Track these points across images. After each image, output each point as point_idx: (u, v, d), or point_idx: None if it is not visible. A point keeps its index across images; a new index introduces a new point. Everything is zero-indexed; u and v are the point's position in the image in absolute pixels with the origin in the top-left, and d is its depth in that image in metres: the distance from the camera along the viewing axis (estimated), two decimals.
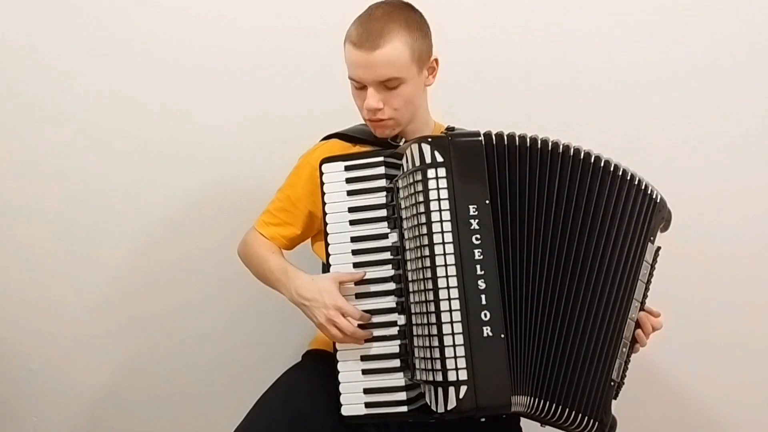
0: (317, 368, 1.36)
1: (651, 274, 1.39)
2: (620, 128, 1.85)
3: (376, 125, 1.42)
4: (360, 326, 1.32)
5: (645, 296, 1.38)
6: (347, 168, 1.37)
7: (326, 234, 1.37)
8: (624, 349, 1.35)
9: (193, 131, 1.91)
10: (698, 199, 1.86)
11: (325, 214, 1.37)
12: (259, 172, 1.85)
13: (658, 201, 1.40)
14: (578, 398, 1.30)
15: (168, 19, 1.88)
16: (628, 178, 1.35)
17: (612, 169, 1.34)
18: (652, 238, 1.38)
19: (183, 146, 1.92)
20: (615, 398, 1.36)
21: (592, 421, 1.32)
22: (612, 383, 1.33)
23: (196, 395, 2.03)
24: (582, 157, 1.32)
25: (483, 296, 1.23)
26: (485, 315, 1.23)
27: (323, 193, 1.37)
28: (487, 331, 1.23)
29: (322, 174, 1.38)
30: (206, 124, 1.90)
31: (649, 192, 1.38)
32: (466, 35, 1.83)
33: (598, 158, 1.33)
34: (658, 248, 1.40)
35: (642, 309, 1.38)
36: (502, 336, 1.23)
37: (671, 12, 1.82)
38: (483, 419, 1.27)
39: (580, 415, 1.30)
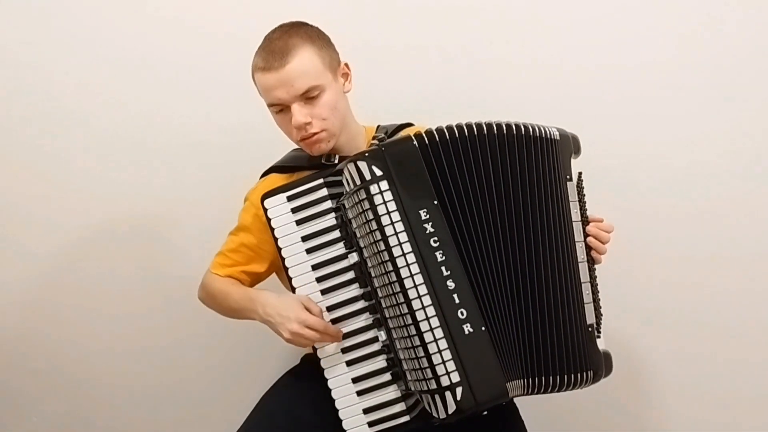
0: (317, 374, 1.36)
1: (583, 208, 1.38)
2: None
3: (310, 142, 1.39)
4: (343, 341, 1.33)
5: (585, 235, 1.37)
6: (290, 198, 1.35)
7: (286, 268, 1.36)
8: (588, 292, 1.35)
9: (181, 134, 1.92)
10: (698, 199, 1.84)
11: (279, 249, 1.35)
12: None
13: (558, 138, 1.35)
14: (567, 361, 1.31)
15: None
16: (535, 134, 1.32)
17: (531, 133, 1.32)
18: (568, 176, 1.36)
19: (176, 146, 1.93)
20: (599, 337, 1.36)
21: (587, 372, 1.33)
22: (590, 329, 1.34)
23: (196, 396, 2.05)
24: (505, 131, 1.30)
25: (455, 296, 1.24)
26: (462, 313, 1.24)
27: (272, 229, 1.36)
28: (467, 328, 1.24)
29: (266, 210, 1.36)
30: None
31: (546, 135, 1.34)
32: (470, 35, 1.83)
33: (518, 126, 1.31)
34: (580, 174, 1.38)
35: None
36: (483, 329, 1.24)
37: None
38: (485, 412, 1.28)
39: (577, 373, 1.32)
